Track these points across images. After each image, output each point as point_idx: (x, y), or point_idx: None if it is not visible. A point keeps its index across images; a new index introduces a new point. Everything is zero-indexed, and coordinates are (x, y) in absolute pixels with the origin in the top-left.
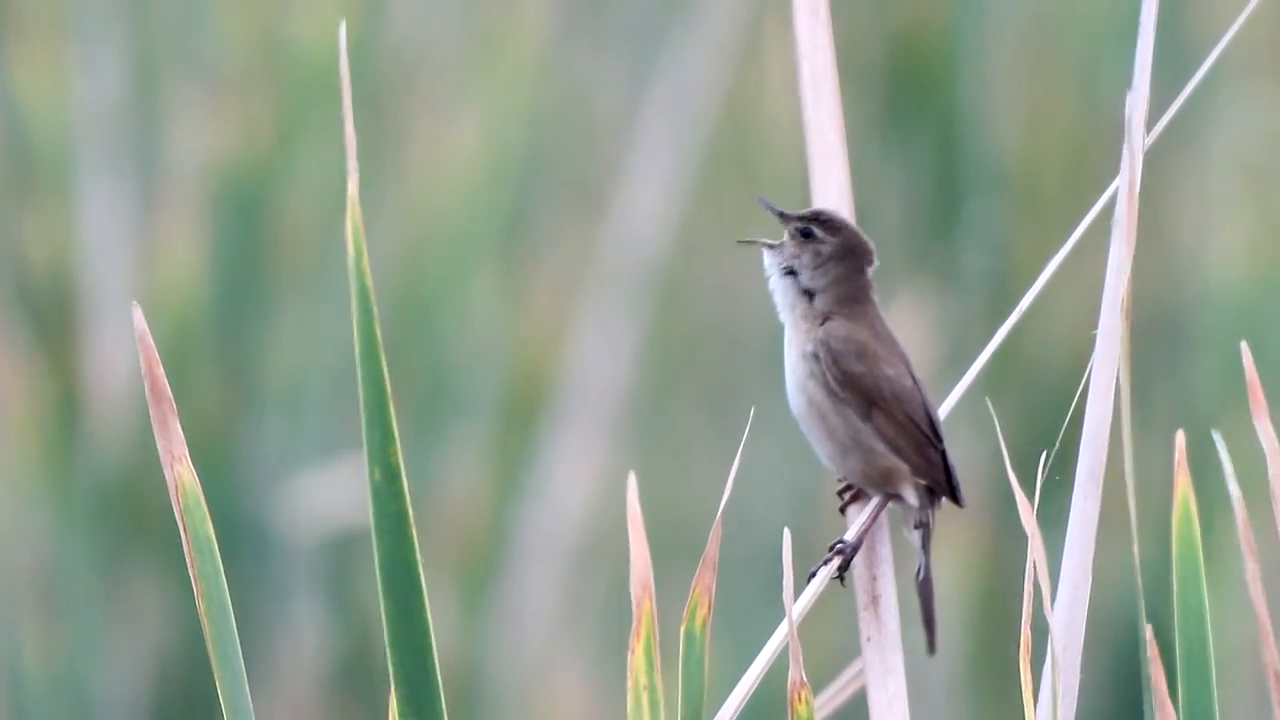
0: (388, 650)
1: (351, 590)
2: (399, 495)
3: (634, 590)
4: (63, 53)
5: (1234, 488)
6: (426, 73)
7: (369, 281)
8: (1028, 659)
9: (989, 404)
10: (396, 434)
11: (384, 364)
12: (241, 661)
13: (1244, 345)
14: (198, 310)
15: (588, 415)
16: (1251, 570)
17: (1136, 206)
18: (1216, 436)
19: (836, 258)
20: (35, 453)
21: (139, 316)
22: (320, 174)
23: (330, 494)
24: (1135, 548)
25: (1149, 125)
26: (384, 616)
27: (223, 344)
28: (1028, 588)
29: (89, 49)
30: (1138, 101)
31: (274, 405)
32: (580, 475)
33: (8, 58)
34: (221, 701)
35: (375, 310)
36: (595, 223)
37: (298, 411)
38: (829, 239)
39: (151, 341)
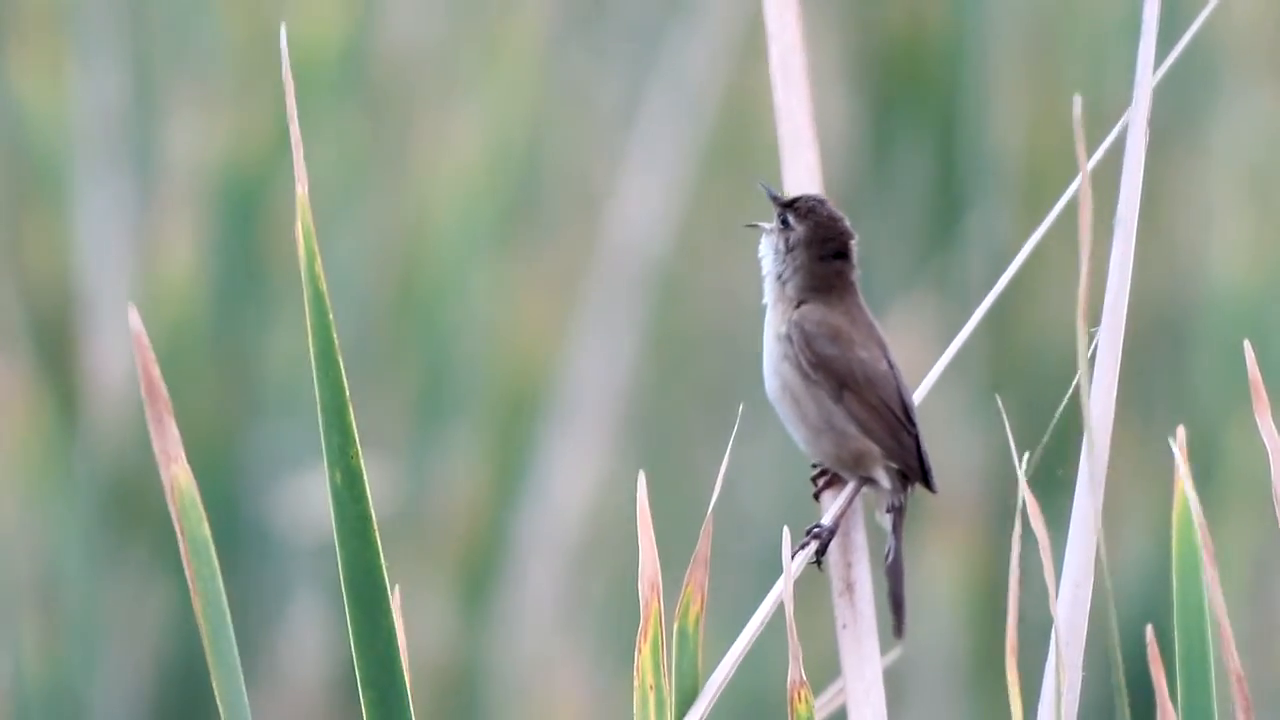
0: (354, 653)
1: None
2: (361, 498)
3: (642, 590)
4: (63, 53)
5: (1191, 491)
6: (426, 72)
7: (322, 286)
8: (1014, 660)
9: (999, 402)
10: (357, 437)
11: (341, 367)
12: (238, 662)
13: (1247, 344)
14: (197, 310)
15: (587, 415)
16: (1210, 575)
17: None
18: (1172, 441)
19: (804, 244)
20: (34, 453)
21: (135, 317)
22: (319, 174)
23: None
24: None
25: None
26: (349, 620)
27: (222, 344)
28: (1012, 588)
29: (89, 49)
30: (1141, 97)
31: (273, 405)
32: (580, 475)
33: (8, 58)
34: (218, 702)
35: (330, 314)
36: (595, 222)
37: (297, 411)
38: (797, 226)
39: (147, 342)
